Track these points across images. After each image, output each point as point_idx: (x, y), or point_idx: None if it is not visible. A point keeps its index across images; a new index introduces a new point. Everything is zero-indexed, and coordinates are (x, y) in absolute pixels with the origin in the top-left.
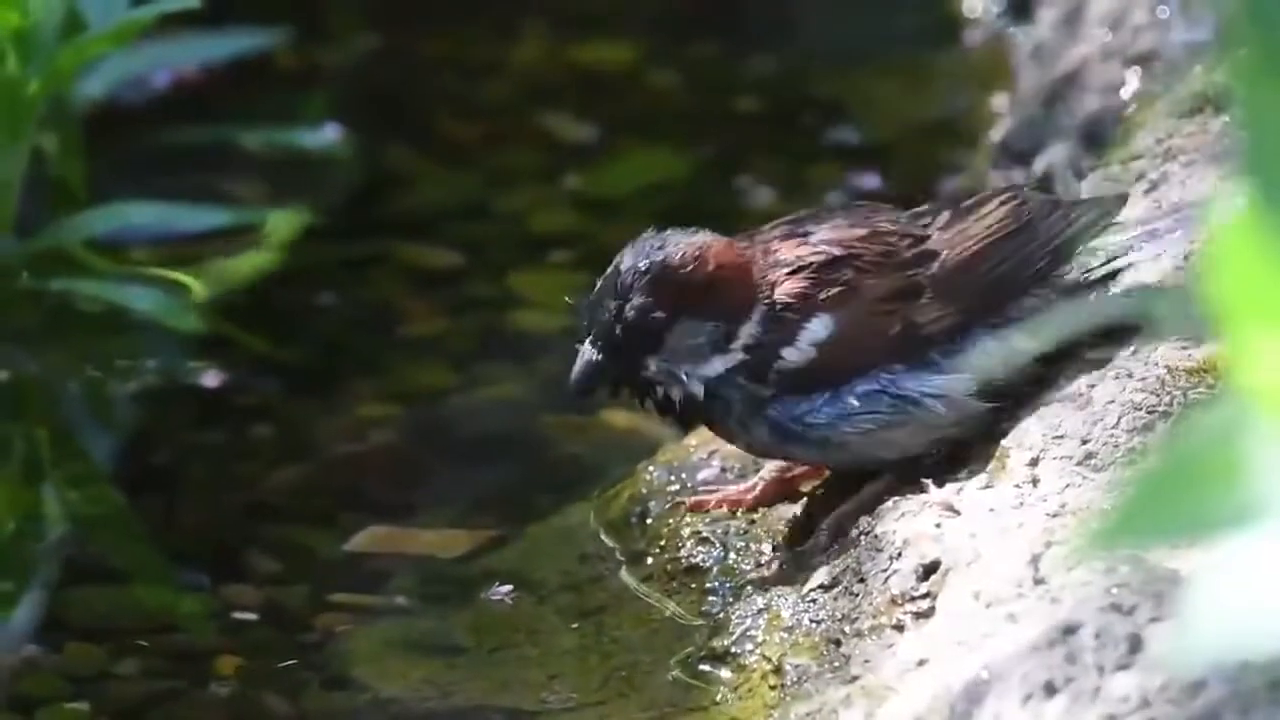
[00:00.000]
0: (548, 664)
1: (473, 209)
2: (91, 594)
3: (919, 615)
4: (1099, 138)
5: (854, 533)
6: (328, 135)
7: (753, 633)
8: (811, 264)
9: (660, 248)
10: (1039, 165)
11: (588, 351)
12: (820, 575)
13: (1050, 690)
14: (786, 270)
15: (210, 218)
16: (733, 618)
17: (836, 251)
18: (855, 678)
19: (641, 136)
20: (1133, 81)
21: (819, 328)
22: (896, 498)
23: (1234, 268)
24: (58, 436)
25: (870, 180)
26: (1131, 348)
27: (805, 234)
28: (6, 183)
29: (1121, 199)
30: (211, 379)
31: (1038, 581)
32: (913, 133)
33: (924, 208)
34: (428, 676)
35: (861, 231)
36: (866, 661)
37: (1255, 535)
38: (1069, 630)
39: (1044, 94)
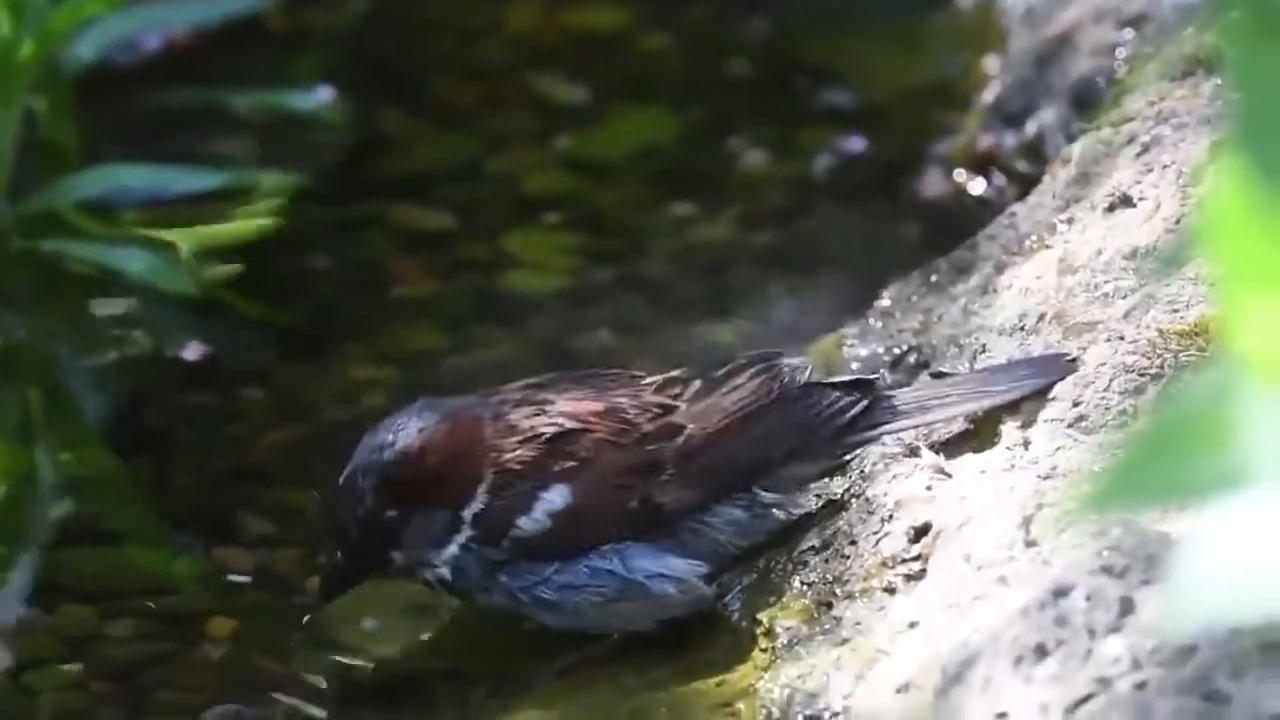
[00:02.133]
0: (540, 627)
1: (465, 171)
2: (84, 556)
3: (910, 578)
4: (1090, 100)
5: (845, 495)
6: (320, 97)
7: (744, 594)
8: (545, 435)
9: (383, 447)
10: (1030, 127)
11: (332, 560)
12: (811, 537)
13: (1041, 653)
14: (519, 439)
15: (202, 180)
16: (724, 579)
17: (572, 425)
18: (846, 640)
19: (634, 99)
20: (1125, 43)
21: (555, 497)
22: (888, 460)
23: (1227, 231)
24: (50, 399)
25: (858, 143)
26: (1123, 310)
27: (542, 403)
28: None
29: (874, 383)
30: (198, 347)
31: (1029, 544)
32: (904, 95)
33: (677, 373)
34: (420, 640)
35: (598, 406)
36: (857, 624)
37: (1247, 498)
38: (1060, 593)
39: (1035, 56)
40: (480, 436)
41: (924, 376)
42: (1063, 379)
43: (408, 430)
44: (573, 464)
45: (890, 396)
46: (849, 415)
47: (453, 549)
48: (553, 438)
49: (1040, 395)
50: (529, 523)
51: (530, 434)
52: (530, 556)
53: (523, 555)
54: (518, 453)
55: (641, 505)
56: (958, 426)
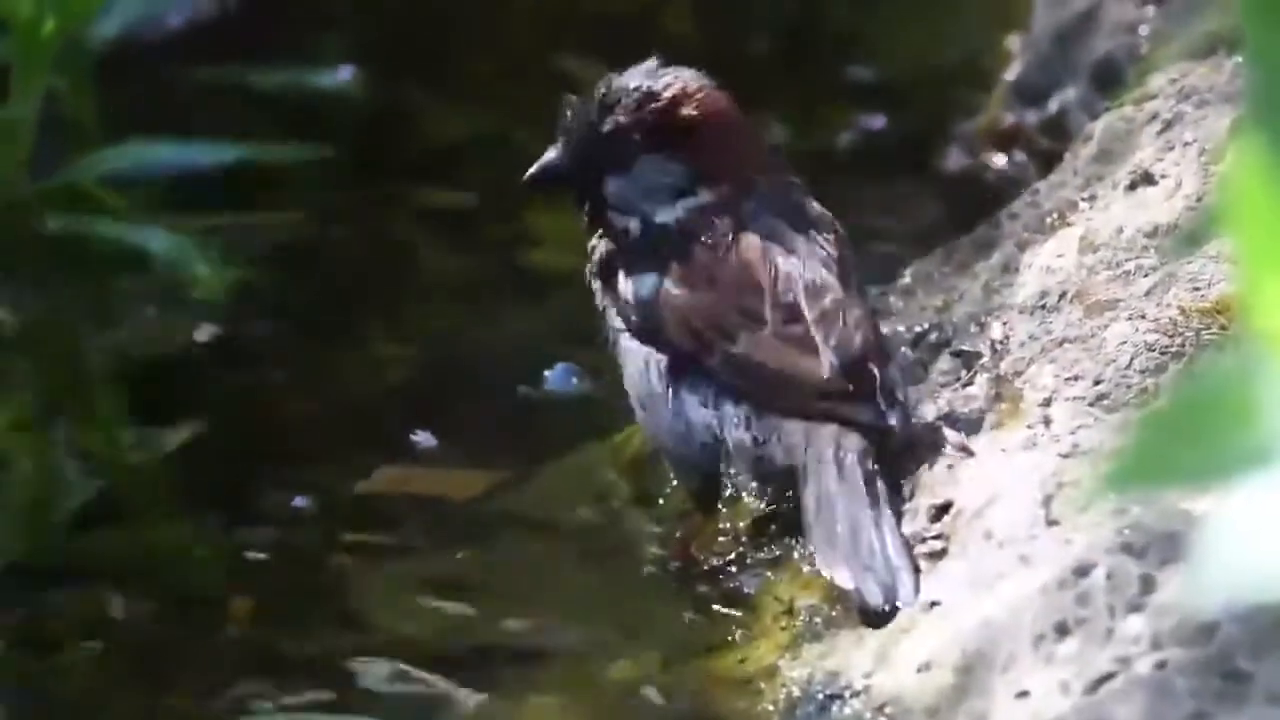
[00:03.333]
0: (561, 605)
1: (488, 149)
2: (104, 535)
3: (931, 556)
4: (1113, 78)
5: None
6: (342, 75)
7: (766, 573)
8: None
9: (658, 77)
10: (1052, 105)
11: (554, 151)
12: None
13: (1062, 631)
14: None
15: (224, 157)
16: (746, 558)
17: None
18: None
19: None
20: (1147, 21)
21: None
22: (909, 438)
23: (1248, 209)
24: (71, 378)
25: (880, 121)
26: (1144, 288)
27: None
28: (22, 122)
29: None
30: (208, 328)
31: (1050, 523)
32: (927, 73)
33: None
34: (441, 617)
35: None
36: None
37: (1268, 477)
38: (1081, 571)
39: (1058, 34)
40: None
41: None
42: None
43: (684, 75)
44: None
45: None
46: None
47: (677, 212)
48: None
49: None
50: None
51: None
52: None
53: None
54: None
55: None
56: (979, 404)
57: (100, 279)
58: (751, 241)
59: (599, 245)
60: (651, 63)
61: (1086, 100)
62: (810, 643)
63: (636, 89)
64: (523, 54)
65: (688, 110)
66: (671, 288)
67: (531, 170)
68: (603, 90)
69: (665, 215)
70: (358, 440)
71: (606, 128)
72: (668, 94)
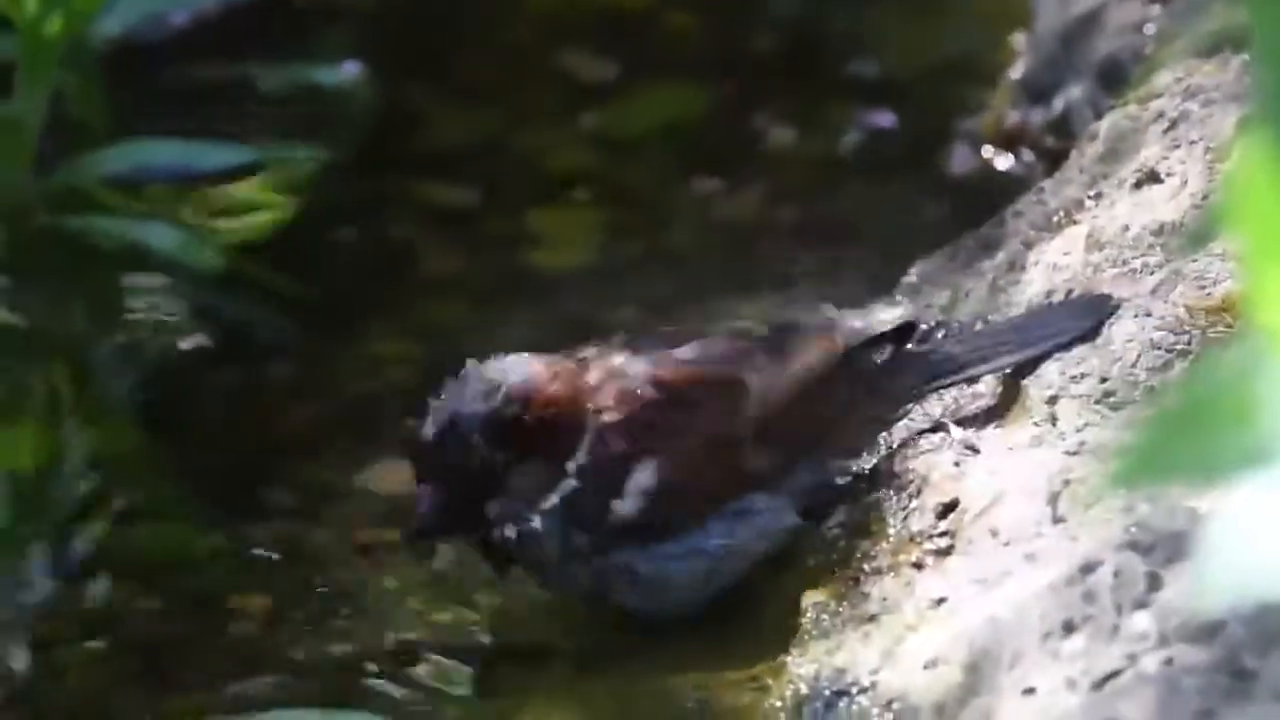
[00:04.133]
0: (569, 601)
1: (491, 147)
2: (111, 533)
3: (938, 553)
4: (1118, 76)
5: (873, 471)
6: (347, 73)
7: (772, 571)
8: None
9: (492, 391)
10: (1058, 104)
11: (432, 492)
12: (839, 514)
13: (1069, 629)
14: (613, 399)
15: (229, 155)
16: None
17: (656, 394)
18: (874, 616)
19: (660, 75)
20: (1153, 20)
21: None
22: (916, 436)
23: (1253, 207)
24: (76, 376)
25: (885, 119)
26: (1150, 286)
27: (623, 368)
28: (27, 121)
29: (915, 325)
30: (222, 323)
31: (1056, 520)
32: (931, 71)
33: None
34: (444, 616)
35: (680, 373)
36: (885, 600)
37: (1273, 475)
38: (1087, 569)
39: (1063, 32)
40: (582, 388)
41: (964, 327)
42: (1105, 320)
43: (517, 373)
44: (662, 438)
45: (942, 348)
46: (903, 368)
47: (554, 501)
48: (643, 405)
49: (1087, 338)
50: (627, 498)
51: (621, 397)
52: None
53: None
54: (613, 414)
55: (729, 475)
56: (986, 402)
57: (105, 277)
58: None
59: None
60: (469, 377)
61: (1092, 98)
62: (817, 639)
63: (480, 410)
64: (526, 51)
65: (537, 409)
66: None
67: (421, 519)
68: (448, 424)
69: (546, 507)
70: (361, 438)
71: (476, 457)
72: (519, 401)
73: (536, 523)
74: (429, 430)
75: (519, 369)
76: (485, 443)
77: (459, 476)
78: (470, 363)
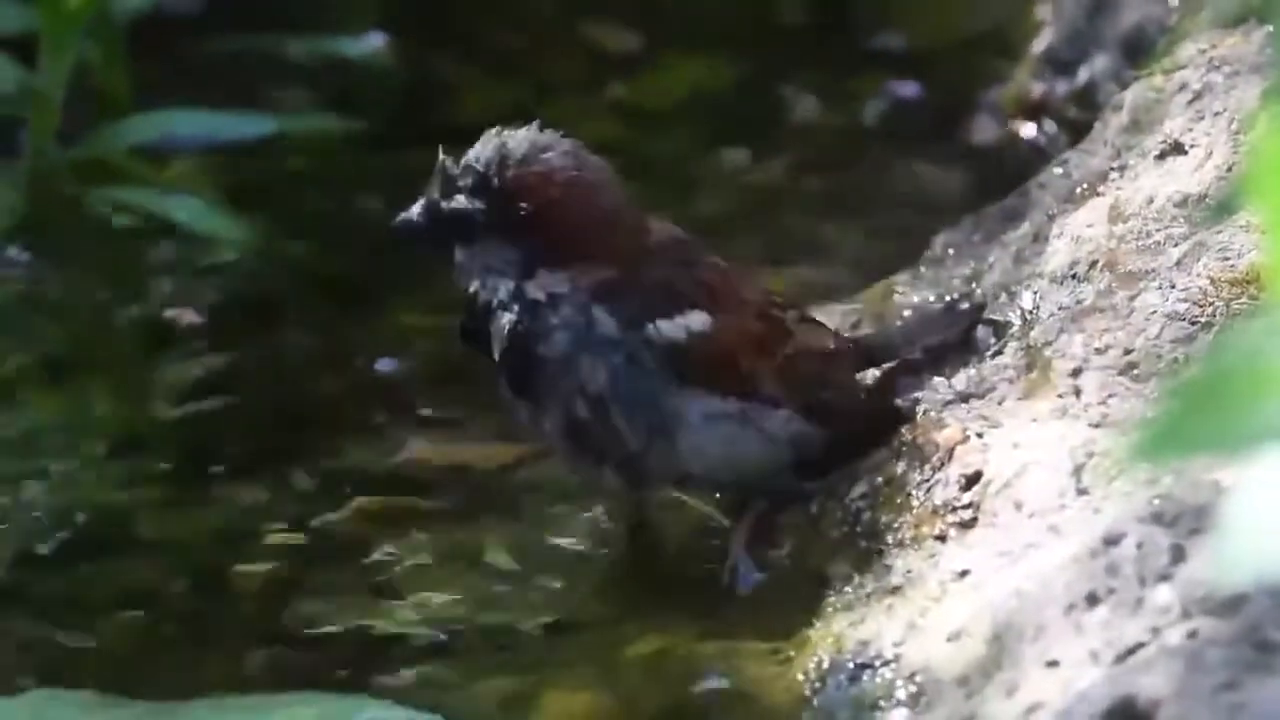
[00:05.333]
0: (587, 574)
1: (517, 118)
2: (131, 505)
3: (961, 526)
4: (1142, 48)
5: (896, 443)
6: (372, 43)
7: (795, 542)
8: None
9: (514, 155)
10: (1082, 75)
11: (415, 208)
12: (862, 485)
13: (1092, 601)
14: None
15: (255, 126)
16: (776, 527)
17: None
18: (898, 588)
19: (686, 47)
20: None
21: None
22: (939, 408)
23: (1275, 177)
24: (100, 347)
25: (909, 90)
26: (1174, 258)
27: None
28: (50, 93)
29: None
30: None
31: (1080, 492)
32: (956, 43)
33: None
34: (468, 588)
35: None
36: (909, 572)
37: None
38: (1111, 541)
39: (1088, 4)
40: (623, 220)
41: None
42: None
43: (548, 152)
44: (709, 298)
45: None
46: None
47: (502, 295)
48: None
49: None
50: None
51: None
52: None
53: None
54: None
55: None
56: (1010, 374)
57: (130, 246)
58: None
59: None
60: (524, 133)
61: (1116, 70)
62: (841, 612)
63: (485, 170)
64: (553, 23)
65: (529, 200)
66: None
67: (395, 221)
68: (452, 165)
69: (500, 294)
70: (385, 411)
71: (448, 205)
72: (511, 182)
73: (506, 303)
74: (446, 159)
75: (556, 150)
76: (470, 200)
77: (439, 208)
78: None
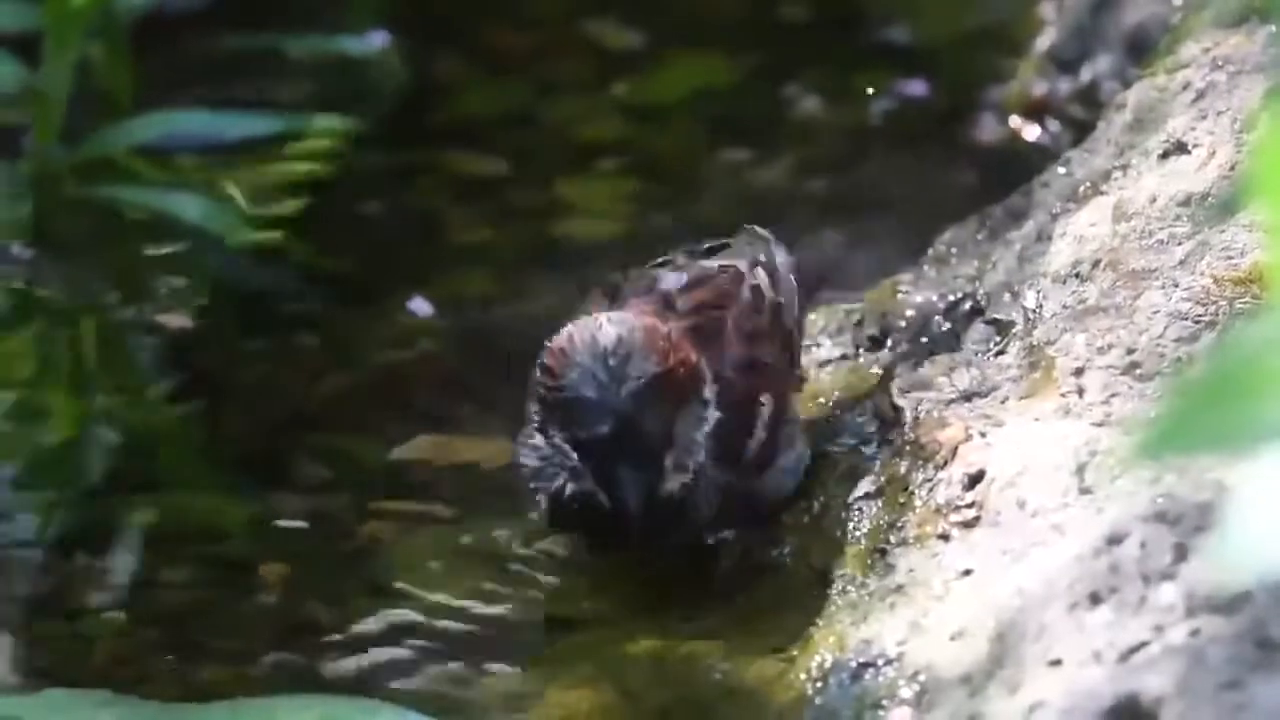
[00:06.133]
0: (592, 573)
1: (520, 117)
2: (137, 502)
3: (964, 524)
4: (1145, 46)
5: (899, 442)
6: (375, 42)
7: (798, 541)
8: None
9: (629, 352)
10: (1085, 74)
11: (632, 473)
12: (865, 484)
13: (1095, 600)
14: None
15: (257, 125)
16: (779, 526)
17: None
18: (900, 587)
19: (689, 44)
20: None
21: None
22: (943, 407)
23: (1276, 178)
24: (104, 346)
25: (913, 88)
26: (1177, 257)
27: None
28: (54, 92)
29: None
30: (250, 293)
31: (1083, 491)
32: (960, 40)
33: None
34: (472, 585)
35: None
36: (912, 571)
37: None
38: (1114, 540)
39: (1091, 2)
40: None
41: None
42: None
43: (629, 330)
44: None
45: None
46: None
47: (701, 438)
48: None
49: None
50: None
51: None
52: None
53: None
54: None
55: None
56: (1013, 373)
57: (133, 247)
58: None
59: None
60: (602, 335)
61: (1119, 69)
62: (843, 611)
63: (638, 372)
64: (555, 21)
65: (674, 363)
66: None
67: (635, 504)
68: (587, 402)
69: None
70: (389, 408)
71: (648, 422)
72: (658, 358)
73: (693, 465)
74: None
75: (624, 327)
76: (638, 403)
77: (638, 439)
78: (568, 333)
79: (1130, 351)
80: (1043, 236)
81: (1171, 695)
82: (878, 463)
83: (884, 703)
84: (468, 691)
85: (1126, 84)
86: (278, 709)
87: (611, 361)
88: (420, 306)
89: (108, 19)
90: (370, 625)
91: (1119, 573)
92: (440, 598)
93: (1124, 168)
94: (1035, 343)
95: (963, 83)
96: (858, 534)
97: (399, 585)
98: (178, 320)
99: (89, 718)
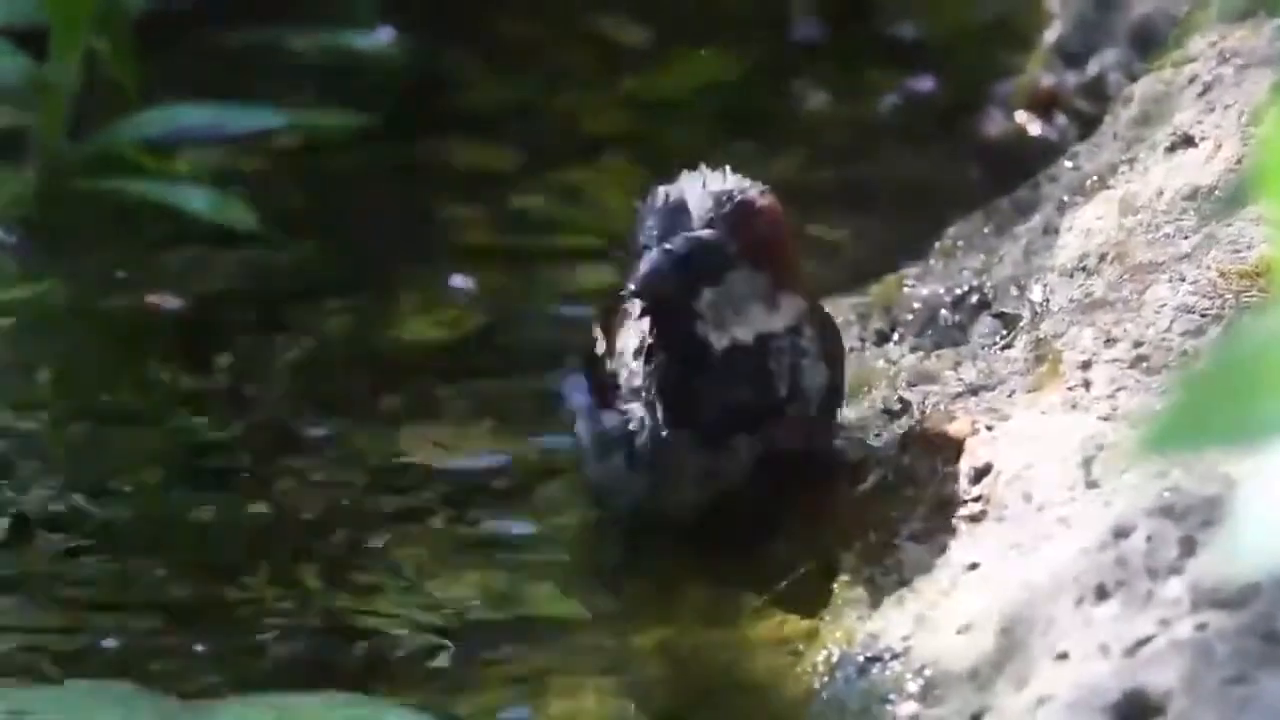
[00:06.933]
0: (600, 569)
1: (527, 110)
2: (140, 497)
3: (971, 518)
4: (1152, 40)
5: (906, 436)
6: (381, 37)
7: (805, 536)
8: None
9: (731, 186)
10: (1092, 67)
11: (659, 254)
12: (872, 478)
13: (1102, 594)
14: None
15: (263, 119)
16: (785, 521)
17: None
18: (907, 581)
19: (696, 39)
20: None
21: None
22: (949, 400)
23: None
24: (111, 339)
25: (919, 83)
26: (1184, 251)
27: None
28: (60, 85)
29: None
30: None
31: (1090, 485)
32: (965, 35)
33: None
34: (481, 580)
35: None
36: (919, 565)
37: None
38: (1121, 534)
39: None
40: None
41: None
42: None
43: (756, 189)
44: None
45: None
46: None
47: (761, 325)
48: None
49: None
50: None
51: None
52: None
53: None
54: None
55: None
56: (1019, 366)
57: (141, 240)
58: None
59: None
60: (712, 173)
61: (1125, 63)
62: (850, 605)
63: (725, 197)
64: (562, 14)
65: (768, 221)
66: None
67: (639, 277)
68: (685, 197)
69: (745, 332)
70: (394, 403)
71: (708, 235)
72: (756, 204)
73: (742, 331)
74: (658, 203)
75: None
76: (722, 229)
77: (690, 248)
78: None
79: (1137, 345)
80: (1049, 230)
81: (1178, 689)
82: (884, 456)
83: (891, 696)
84: (472, 688)
85: (1133, 78)
86: (300, 707)
87: (724, 186)
88: (461, 282)
89: (114, 13)
90: (374, 622)
91: (1126, 567)
92: (444, 594)
93: (1130, 161)
94: (1042, 336)
95: (969, 77)
96: (864, 527)
97: (402, 582)
98: (180, 314)
99: (108, 712)
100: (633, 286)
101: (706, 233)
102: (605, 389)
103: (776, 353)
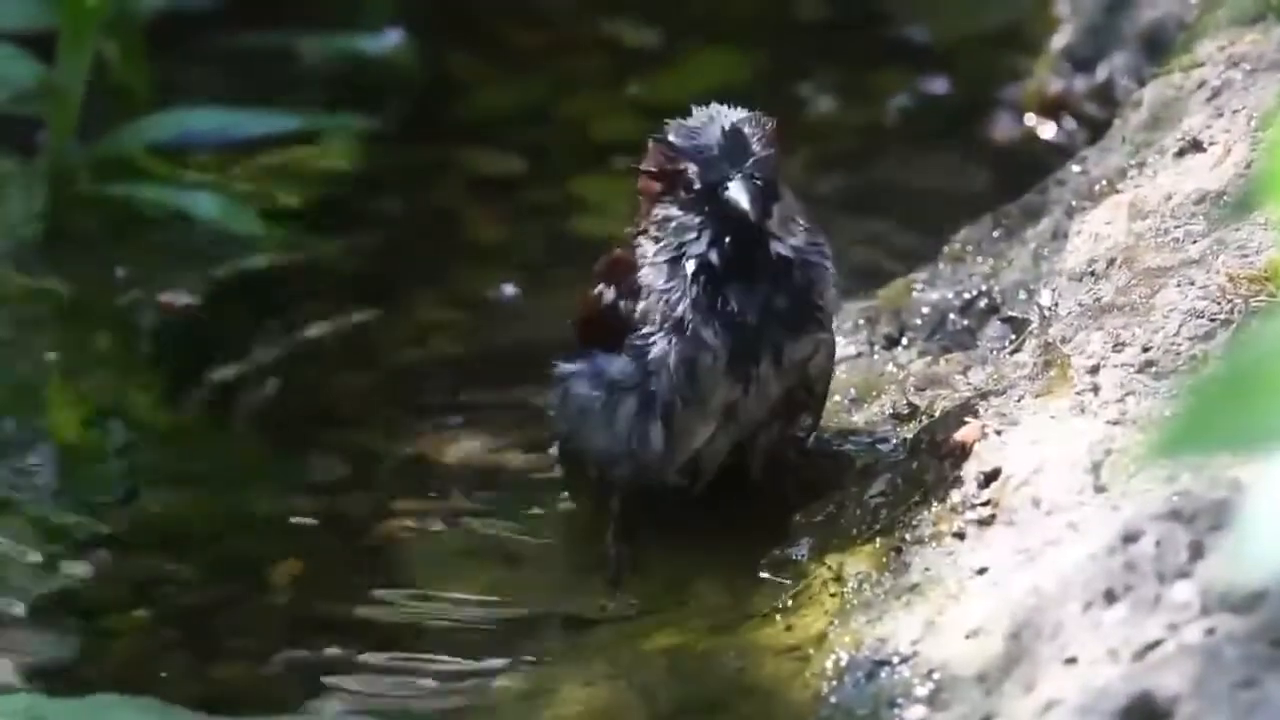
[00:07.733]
0: (605, 568)
1: (535, 115)
2: (154, 500)
3: (980, 523)
4: (1161, 44)
5: (914, 440)
6: (390, 40)
7: (813, 539)
8: None
9: (754, 114)
10: (1101, 72)
11: (749, 182)
12: (880, 483)
13: (1110, 598)
14: None
15: (272, 123)
16: (794, 524)
17: None
18: (915, 585)
19: (704, 42)
20: None
21: None
22: (957, 405)
23: None
24: (120, 343)
25: (935, 85)
26: (1193, 255)
27: None
28: (70, 88)
29: None
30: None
31: (1098, 489)
32: (976, 39)
33: None
34: (489, 583)
35: None
36: (927, 569)
37: None
38: (1129, 538)
39: (1107, 0)
40: None
41: None
42: None
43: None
44: None
45: None
46: None
47: (798, 241)
48: None
49: None
50: None
51: None
52: None
53: None
54: None
55: None
56: (1028, 371)
57: (150, 244)
58: None
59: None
60: (719, 106)
61: (1134, 67)
62: (859, 609)
63: (755, 122)
64: (569, 19)
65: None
66: None
67: (752, 202)
68: (741, 124)
69: (796, 243)
70: (406, 406)
71: (771, 158)
72: (774, 125)
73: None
74: (708, 136)
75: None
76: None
77: (766, 172)
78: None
79: (1146, 349)
80: (1058, 234)
81: (1186, 694)
82: (893, 460)
83: (899, 701)
84: (483, 689)
85: (1142, 82)
86: None
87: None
88: (508, 291)
89: (123, 17)
90: (386, 622)
91: (1134, 571)
92: (456, 595)
93: (1140, 166)
94: (1051, 340)
95: (979, 81)
96: (873, 532)
97: (415, 583)
98: (193, 318)
99: None
100: (747, 211)
101: (769, 153)
102: (614, 335)
103: (813, 265)
